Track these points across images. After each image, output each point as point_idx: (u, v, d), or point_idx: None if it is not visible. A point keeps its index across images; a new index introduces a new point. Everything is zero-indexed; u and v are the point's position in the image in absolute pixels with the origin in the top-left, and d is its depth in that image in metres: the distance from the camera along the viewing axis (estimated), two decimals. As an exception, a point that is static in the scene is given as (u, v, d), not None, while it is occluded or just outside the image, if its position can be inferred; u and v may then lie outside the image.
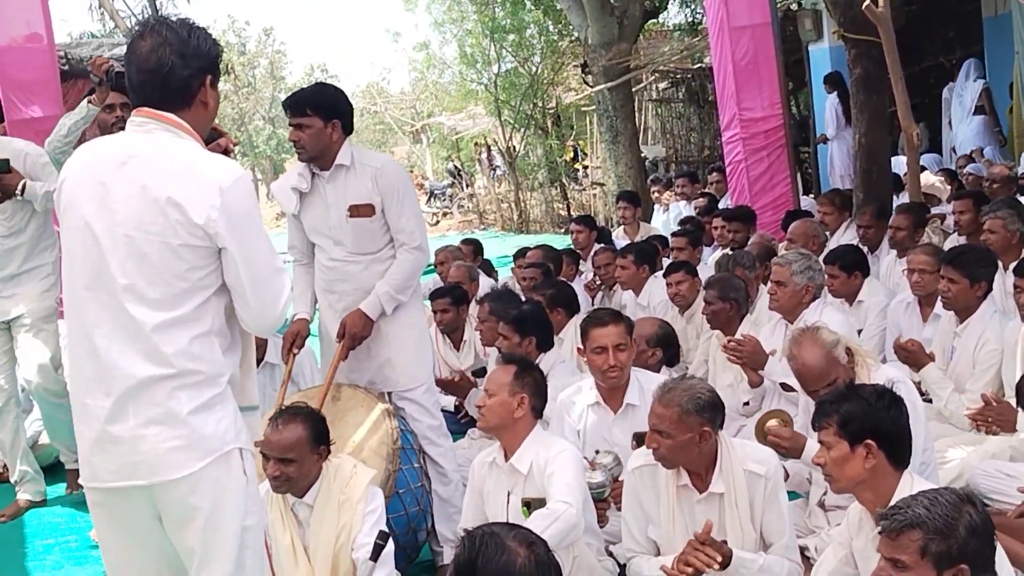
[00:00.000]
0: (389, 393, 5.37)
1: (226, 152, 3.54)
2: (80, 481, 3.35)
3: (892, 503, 3.48)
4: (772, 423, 4.88)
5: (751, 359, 6.02)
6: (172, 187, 3.15)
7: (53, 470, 7.26)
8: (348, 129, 5.23)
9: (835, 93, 14.24)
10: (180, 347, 3.15)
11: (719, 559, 3.89)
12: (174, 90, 3.27)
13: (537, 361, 6.14)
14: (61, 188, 3.32)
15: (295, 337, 5.47)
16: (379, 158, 5.36)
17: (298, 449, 4.48)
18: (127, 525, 3.29)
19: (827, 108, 14.57)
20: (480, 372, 7.64)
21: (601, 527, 4.87)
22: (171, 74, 3.25)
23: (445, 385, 7.22)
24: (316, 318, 5.67)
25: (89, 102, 5.91)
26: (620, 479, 4.84)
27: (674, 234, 10.00)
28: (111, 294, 3.17)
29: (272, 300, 3.28)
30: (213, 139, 3.69)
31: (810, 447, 4.46)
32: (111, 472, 3.20)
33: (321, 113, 5.10)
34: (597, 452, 5.00)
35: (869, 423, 3.60)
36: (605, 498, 4.84)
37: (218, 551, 3.22)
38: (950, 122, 14.66)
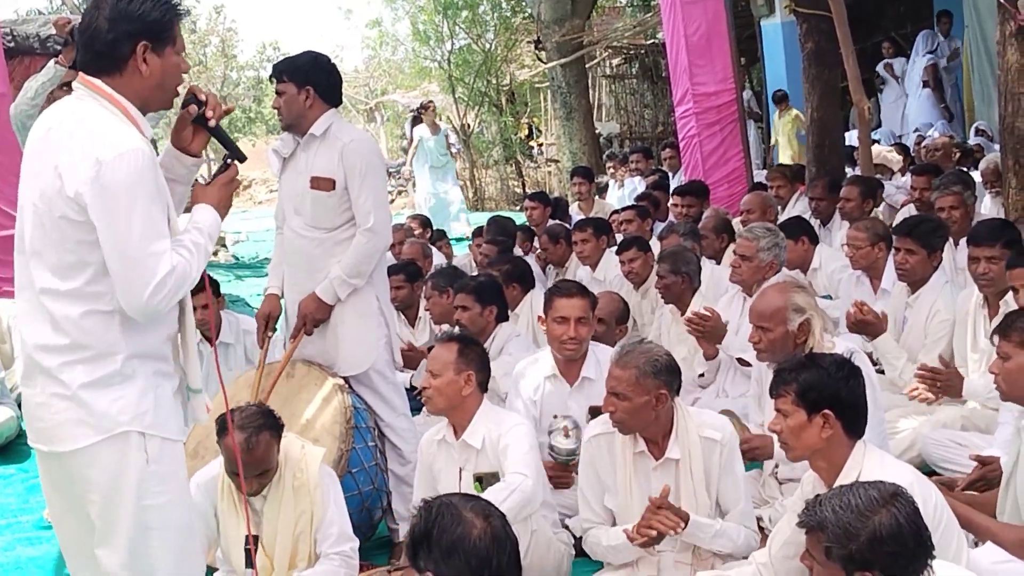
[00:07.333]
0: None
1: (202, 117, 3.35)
2: None
3: (840, 476, 3.53)
4: None
5: (711, 333, 6.03)
6: (61, 158, 3.14)
7: (5, 451, 7.18)
8: (330, 98, 5.19)
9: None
10: (72, 318, 3.16)
11: (681, 524, 3.92)
12: (99, 54, 3.23)
13: (493, 334, 6.22)
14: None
15: (267, 319, 5.38)
16: (351, 133, 5.24)
17: (273, 455, 4.46)
18: (56, 484, 3.35)
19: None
20: (435, 349, 7.61)
21: (567, 488, 4.92)
22: (95, 37, 3.21)
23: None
24: None
25: (56, 63, 5.79)
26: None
27: (621, 209, 9.95)
28: (26, 260, 3.23)
29: (140, 283, 3.11)
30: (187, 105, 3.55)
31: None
32: (32, 433, 3.30)
33: (295, 79, 5.09)
34: (555, 417, 5.01)
35: (828, 393, 3.59)
36: (574, 462, 4.85)
37: (114, 529, 3.24)
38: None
